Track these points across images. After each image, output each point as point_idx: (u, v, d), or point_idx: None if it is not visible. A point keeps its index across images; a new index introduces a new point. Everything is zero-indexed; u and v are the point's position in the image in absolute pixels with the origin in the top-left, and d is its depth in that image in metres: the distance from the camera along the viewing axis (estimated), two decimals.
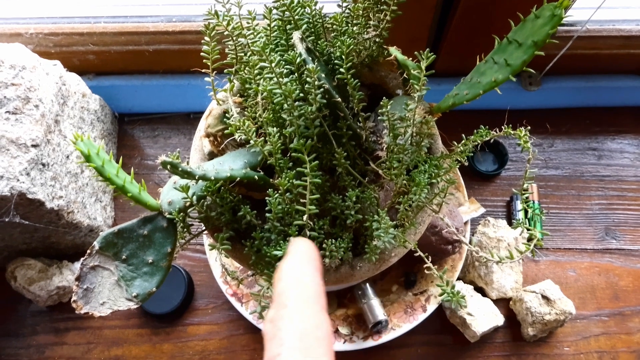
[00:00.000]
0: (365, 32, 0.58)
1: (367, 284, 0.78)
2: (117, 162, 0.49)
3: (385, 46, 0.61)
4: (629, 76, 0.93)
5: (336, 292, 0.81)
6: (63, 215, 0.73)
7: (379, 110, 0.51)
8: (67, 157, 0.76)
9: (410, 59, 0.57)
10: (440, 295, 0.49)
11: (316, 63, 0.49)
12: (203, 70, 0.57)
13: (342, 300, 0.81)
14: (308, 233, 0.50)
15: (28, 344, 0.83)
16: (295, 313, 0.37)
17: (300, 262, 0.43)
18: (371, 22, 0.58)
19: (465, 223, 0.83)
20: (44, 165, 0.69)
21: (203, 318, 0.85)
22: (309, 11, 0.57)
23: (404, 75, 0.60)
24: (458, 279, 0.82)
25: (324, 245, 0.51)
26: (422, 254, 0.53)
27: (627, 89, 0.94)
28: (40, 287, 0.81)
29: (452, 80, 0.87)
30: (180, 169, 0.45)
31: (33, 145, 0.67)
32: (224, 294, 0.80)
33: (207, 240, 0.83)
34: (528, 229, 0.52)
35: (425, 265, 0.52)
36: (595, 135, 0.97)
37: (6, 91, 0.67)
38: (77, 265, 0.85)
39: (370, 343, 0.77)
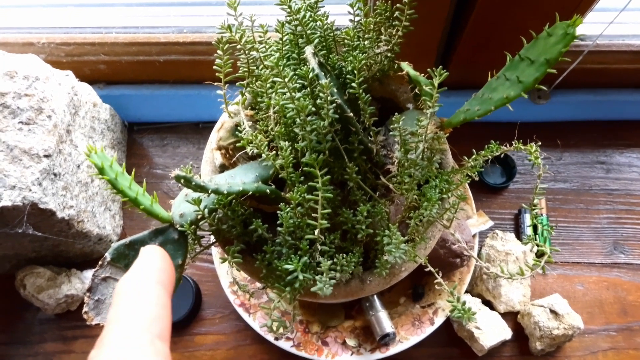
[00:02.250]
0: (377, 47, 0.59)
1: (375, 296, 0.78)
2: (128, 172, 0.50)
3: (396, 60, 0.61)
4: (638, 90, 0.93)
5: (344, 304, 0.81)
6: (73, 225, 0.73)
7: (390, 125, 0.52)
8: (78, 166, 0.76)
9: (422, 74, 0.57)
10: (451, 311, 0.49)
11: (328, 78, 0.49)
12: (215, 84, 0.58)
13: (350, 312, 0.81)
14: (319, 247, 0.50)
15: (36, 352, 0.84)
16: (116, 352, 0.30)
17: (139, 278, 0.35)
18: (382, 37, 0.58)
19: (474, 236, 0.83)
20: (55, 175, 0.69)
21: (210, 328, 0.85)
22: (321, 25, 0.58)
23: (415, 89, 0.60)
24: (466, 291, 0.82)
25: (335, 259, 0.51)
26: (432, 270, 0.53)
27: (636, 103, 0.94)
28: (48, 295, 0.81)
29: (461, 92, 0.87)
30: (193, 183, 0.45)
31: (45, 156, 0.67)
32: (231, 304, 0.80)
33: (215, 250, 0.83)
34: (539, 246, 0.52)
35: (436, 281, 0.52)
36: (603, 149, 0.97)
37: (20, 102, 0.68)
38: (86, 273, 0.85)
39: (378, 355, 0.76)
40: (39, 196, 0.65)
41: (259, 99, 0.57)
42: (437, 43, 0.80)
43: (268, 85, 0.54)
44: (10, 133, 0.66)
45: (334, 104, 0.49)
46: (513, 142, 0.55)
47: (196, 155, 0.98)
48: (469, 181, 0.56)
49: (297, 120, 0.50)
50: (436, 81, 0.47)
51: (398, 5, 0.55)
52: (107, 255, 0.52)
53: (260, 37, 0.58)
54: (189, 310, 0.82)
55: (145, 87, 0.94)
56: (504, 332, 0.78)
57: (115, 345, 0.31)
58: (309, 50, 0.51)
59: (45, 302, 0.81)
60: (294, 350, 0.77)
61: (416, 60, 0.61)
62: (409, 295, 0.82)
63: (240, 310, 0.79)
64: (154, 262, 0.37)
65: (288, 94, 0.49)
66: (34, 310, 0.86)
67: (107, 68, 0.90)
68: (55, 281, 0.82)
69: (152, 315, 0.32)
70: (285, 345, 0.78)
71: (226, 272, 0.80)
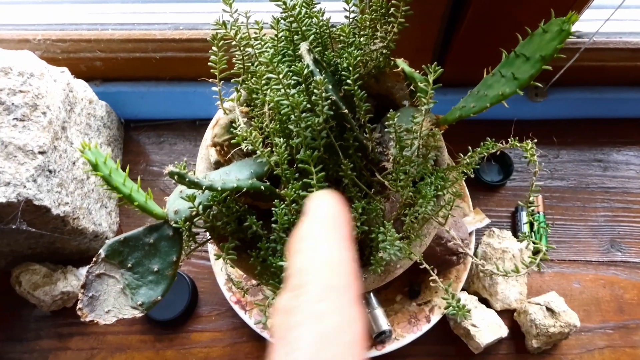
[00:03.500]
0: (372, 43, 0.58)
1: (371, 294, 0.78)
2: (123, 169, 0.49)
3: (392, 57, 0.61)
4: (635, 88, 0.93)
5: None
6: (69, 222, 0.73)
7: (386, 122, 0.52)
8: (74, 163, 0.76)
9: (418, 71, 0.57)
10: (446, 308, 0.49)
11: (323, 74, 0.49)
12: (210, 80, 0.58)
13: None
14: None
15: (32, 349, 0.83)
16: (319, 304, 0.27)
17: (325, 228, 0.31)
18: (378, 34, 0.58)
19: (470, 234, 0.83)
20: (50, 171, 0.69)
21: (206, 325, 0.85)
22: (316, 22, 0.57)
23: (411, 86, 0.60)
24: (462, 289, 0.82)
25: None
26: (427, 267, 0.53)
27: (633, 101, 0.94)
28: (44, 292, 0.81)
29: (457, 90, 0.87)
30: (187, 179, 0.45)
31: (40, 152, 0.67)
32: (227, 301, 0.80)
33: (211, 247, 0.83)
34: (535, 243, 0.52)
35: (431, 278, 0.52)
36: (600, 147, 0.97)
37: (14, 98, 0.67)
38: (82, 270, 0.85)
39: (374, 353, 0.76)
40: (33, 193, 0.65)
41: (254, 96, 0.57)
42: (433, 40, 0.80)
43: (263, 81, 0.53)
44: (5, 129, 0.66)
45: (329, 101, 0.49)
46: (509, 140, 0.55)
47: (193, 153, 0.98)
48: (464, 178, 0.56)
49: (292, 116, 0.50)
50: (431, 77, 0.47)
51: (393, 1, 0.55)
52: (102, 252, 0.52)
53: (255, 33, 0.58)
54: (185, 308, 0.82)
55: (142, 84, 0.94)
56: (501, 330, 0.78)
57: (321, 293, 0.28)
58: (304, 47, 0.51)
59: (41, 299, 0.81)
60: None
61: (412, 58, 0.61)
62: (406, 292, 0.82)
63: (237, 308, 0.79)
64: (334, 211, 0.32)
65: (282, 91, 0.49)
66: (29, 307, 0.86)
67: (103, 65, 0.89)
68: (51, 278, 0.82)
69: (349, 275, 0.30)
70: None
71: (220, 269, 0.80)
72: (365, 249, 0.56)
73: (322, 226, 0.31)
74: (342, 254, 0.30)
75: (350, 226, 0.32)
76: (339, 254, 0.30)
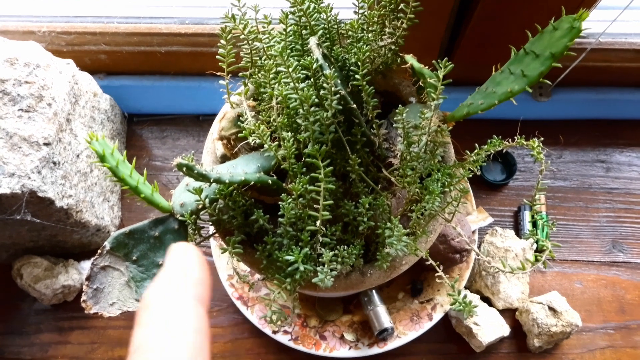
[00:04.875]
0: (380, 40, 0.58)
1: (374, 291, 0.78)
2: (129, 162, 0.49)
3: (399, 53, 0.61)
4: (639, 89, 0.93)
5: (342, 298, 0.81)
6: (72, 214, 0.73)
7: (393, 118, 0.51)
8: (78, 156, 0.76)
9: (426, 67, 0.57)
10: (452, 304, 0.49)
11: (332, 69, 0.49)
12: (218, 73, 0.57)
13: (348, 307, 0.81)
14: (320, 239, 0.50)
15: (32, 342, 0.83)
16: None
17: (175, 291, 0.29)
18: (387, 30, 0.58)
19: (473, 232, 0.83)
20: (55, 163, 0.69)
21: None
22: (325, 17, 0.57)
23: (418, 83, 0.60)
24: (464, 288, 0.82)
25: (336, 252, 0.51)
26: (433, 263, 0.53)
27: (637, 102, 0.94)
28: (45, 285, 0.80)
29: (462, 88, 0.87)
30: (195, 171, 0.45)
31: (45, 144, 0.67)
32: (229, 297, 0.80)
33: (214, 242, 0.83)
34: (541, 241, 0.52)
35: (437, 275, 0.52)
36: (604, 148, 0.97)
37: (20, 89, 0.67)
38: (83, 264, 0.85)
39: (376, 350, 0.76)
40: (38, 184, 0.65)
41: (262, 90, 0.57)
42: (440, 39, 0.80)
43: (271, 75, 0.53)
44: (10, 120, 0.66)
45: (338, 95, 0.49)
46: (516, 138, 0.55)
47: (196, 148, 0.98)
48: (470, 175, 0.56)
49: (301, 110, 0.50)
50: (441, 73, 0.47)
51: None
52: (107, 244, 0.51)
53: (263, 27, 0.58)
54: None
55: (146, 78, 0.93)
56: (502, 329, 0.78)
57: None
58: (313, 41, 0.51)
59: (42, 292, 0.81)
60: (291, 344, 0.77)
61: (419, 55, 0.61)
62: (408, 290, 0.82)
63: (239, 303, 0.79)
64: (188, 266, 0.30)
65: (292, 84, 0.49)
66: (30, 300, 0.85)
67: (108, 58, 0.89)
68: (53, 271, 0.81)
69: (197, 346, 0.27)
70: (283, 338, 0.77)
71: (227, 263, 0.80)
72: (371, 245, 0.56)
73: (172, 288, 0.29)
74: (191, 323, 0.28)
75: (207, 284, 0.30)
76: (186, 323, 0.28)
